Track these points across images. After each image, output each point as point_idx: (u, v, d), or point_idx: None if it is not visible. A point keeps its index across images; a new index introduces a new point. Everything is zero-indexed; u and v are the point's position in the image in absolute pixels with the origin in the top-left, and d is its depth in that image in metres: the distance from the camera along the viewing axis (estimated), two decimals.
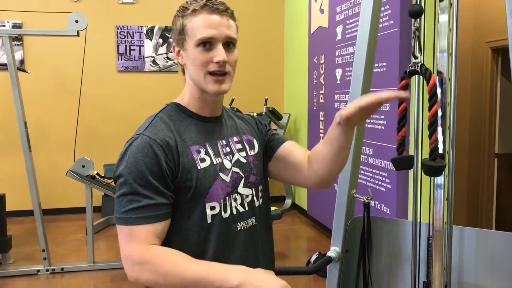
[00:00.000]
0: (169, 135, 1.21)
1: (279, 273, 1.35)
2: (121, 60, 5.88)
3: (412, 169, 1.49)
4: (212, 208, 1.23)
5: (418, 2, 1.35)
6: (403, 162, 1.33)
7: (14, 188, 5.19)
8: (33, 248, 4.42)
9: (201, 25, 1.19)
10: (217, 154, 1.28)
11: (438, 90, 1.31)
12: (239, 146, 1.35)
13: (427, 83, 1.25)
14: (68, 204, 5.79)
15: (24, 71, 4.73)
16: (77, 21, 3.80)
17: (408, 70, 1.32)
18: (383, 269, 1.61)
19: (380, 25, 3.26)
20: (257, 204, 1.35)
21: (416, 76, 1.40)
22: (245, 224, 1.30)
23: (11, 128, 5.15)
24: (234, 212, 1.28)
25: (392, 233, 1.58)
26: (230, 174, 1.28)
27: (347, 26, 4.21)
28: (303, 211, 5.65)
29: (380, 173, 3.59)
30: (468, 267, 1.43)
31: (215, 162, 1.26)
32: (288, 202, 6.00)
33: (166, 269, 1.11)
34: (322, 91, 4.86)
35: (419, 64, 1.29)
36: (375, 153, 3.65)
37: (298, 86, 5.79)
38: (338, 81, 4.42)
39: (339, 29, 4.40)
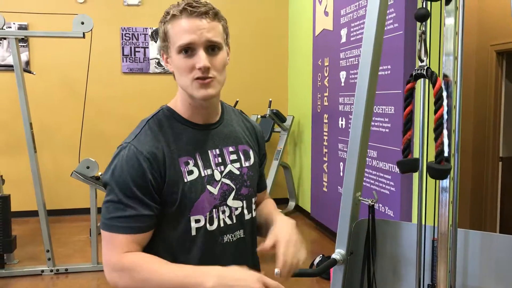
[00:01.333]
0: (157, 146, 1.19)
1: None
2: (126, 61, 5.90)
3: (417, 172, 1.49)
4: (197, 221, 1.22)
5: (424, 6, 1.35)
6: (408, 165, 1.34)
7: (19, 188, 5.21)
8: (37, 248, 4.43)
9: (180, 31, 1.15)
10: (207, 166, 1.25)
11: (444, 93, 1.31)
12: (233, 156, 1.31)
13: (433, 87, 1.25)
14: (72, 205, 5.81)
15: (29, 72, 4.75)
16: (82, 23, 3.82)
17: (414, 74, 1.33)
18: (387, 272, 1.61)
19: (385, 28, 3.26)
20: (247, 217, 1.33)
21: (422, 79, 1.40)
22: (232, 236, 1.29)
23: (17, 129, 5.17)
24: (222, 224, 1.26)
25: (397, 236, 1.58)
26: (219, 186, 1.26)
27: (352, 29, 4.21)
28: (306, 214, 5.65)
29: (384, 176, 3.59)
30: (472, 271, 1.43)
31: (203, 174, 1.24)
32: (292, 204, 6.01)
33: (143, 275, 1.12)
34: (326, 94, 4.86)
35: (425, 67, 1.30)
36: (379, 155, 3.66)
37: (302, 89, 5.79)
38: (342, 84, 4.42)
39: (343, 32, 4.40)
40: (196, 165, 1.23)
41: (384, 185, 3.60)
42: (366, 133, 1.53)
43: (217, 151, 1.29)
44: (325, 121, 4.89)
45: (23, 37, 5.26)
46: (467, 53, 4.63)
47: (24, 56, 5.58)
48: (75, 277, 3.89)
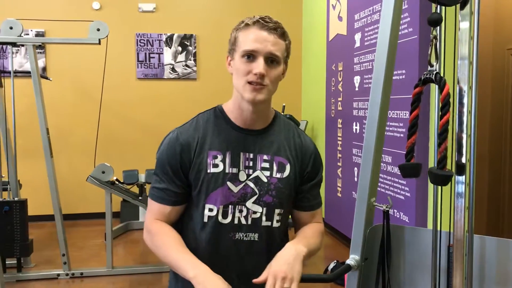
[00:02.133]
0: (194, 136, 1.36)
1: (300, 280, 1.34)
2: (141, 67, 5.96)
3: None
4: (210, 210, 1.35)
5: (438, 10, 1.35)
6: (410, 170, 1.33)
7: (36, 193, 5.27)
8: (53, 252, 4.48)
9: (249, 38, 1.29)
10: (234, 165, 1.35)
11: (456, 99, 1.30)
12: (265, 165, 1.38)
13: (441, 92, 1.25)
14: (87, 210, 5.86)
15: (46, 78, 4.82)
16: (98, 30, 3.86)
17: (422, 78, 1.32)
18: (402, 278, 1.60)
19: (399, 33, 3.25)
20: (266, 223, 1.38)
21: (436, 85, 1.39)
22: (244, 236, 1.37)
23: (34, 134, 5.24)
24: (236, 221, 1.36)
25: (412, 242, 1.57)
26: (241, 186, 1.35)
27: (366, 34, 4.20)
28: None
29: (399, 181, 3.57)
30: (489, 277, 1.41)
31: (227, 171, 1.34)
32: None
33: (157, 243, 1.32)
34: (340, 99, 4.85)
35: (434, 72, 1.29)
36: (394, 161, 3.63)
37: (316, 94, 5.79)
38: (357, 89, 4.41)
39: (357, 37, 4.39)
40: (223, 161, 1.35)
41: (399, 191, 3.57)
42: (381, 138, 1.53)
43: (251, 155, 1.37)
44: (339, 126, 4.88)
45: (40, 43, 5.35)
46: (483, 58, 4.58)
47: (41, 63, 5.67)
48: (90, 281, 3.92)
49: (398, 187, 3.58)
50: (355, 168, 4.48)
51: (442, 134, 1.22)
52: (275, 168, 1.38)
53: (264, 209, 1.36)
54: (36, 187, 5.40)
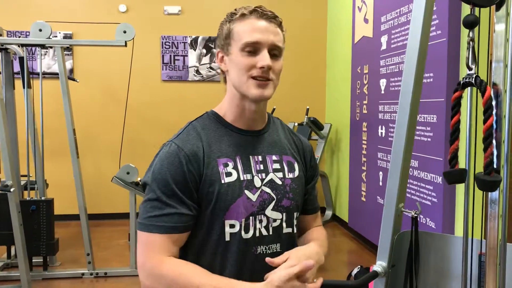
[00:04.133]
0: (198, 145, 1.18)
1: (324, 286, 1.32)
2: (166, 69, 6.00)
3: (464, 184, 1.44)
4: (232, 226, 1.18)
5: (473, 12, 1.31)
6: (456, 176, 1.29)
7: (62, 192, 5.35)
8: (78, 251, 4.54)
9: (248, 29, 1.16)
10: (247, 170, 1.21)
11: (493, 103, 1.26)
12: (276, 165, 1.26)
13: (482, 96, 1.21)
14: (112, 210, 5.92)
15: (73, 80, 4.90)
16: (125, 32, 3.91)
17: (462, 82, 1.28)
18: (430, 286, 1.56)
19: None
20: (287, 230, 1.26)
21: (469, 88, 1.35)
22: (267, 249, 1.23)
23: (61, 134, 5.33)
24: (257, 234, 1.21)
25: (441, 249, 1.53)
26: (258, 193, 1.21)
27: (392, 36, 4.14)
28: (344, 223, 5.57)
29: (426, 186, 3.50)
30: None
31: (242, 178, 1.20)
32: (329, 213, 5.94)
33: (180, 285, 1.10)
34: (365, 102, 4.79)
35: (474, 75, 1.25)
36: (421, 165, 3.56)
37: (341, 96, 5.74)
38: (382, 92, 4.35)
39: (383, 39, 4.33)
40: (235, 168, 1.20)
41: (425, 196, 3.50)
42: (410, 143, 1.49)
43: (260, 158, 1.25)
44: (364, 129, 4.82)
45: (68, 45, 5.44)
46: None
47: (68, 64, 5.77)
48: (114, 281, 3.96)
49: (425, 193, 3.51)
50: (380, 172, 4.41)
51: (487, 139, 1.18)
52: (285, 168, 1.27)
53: (284, 214, 1.24)
54: (62, 187, 5.48)
